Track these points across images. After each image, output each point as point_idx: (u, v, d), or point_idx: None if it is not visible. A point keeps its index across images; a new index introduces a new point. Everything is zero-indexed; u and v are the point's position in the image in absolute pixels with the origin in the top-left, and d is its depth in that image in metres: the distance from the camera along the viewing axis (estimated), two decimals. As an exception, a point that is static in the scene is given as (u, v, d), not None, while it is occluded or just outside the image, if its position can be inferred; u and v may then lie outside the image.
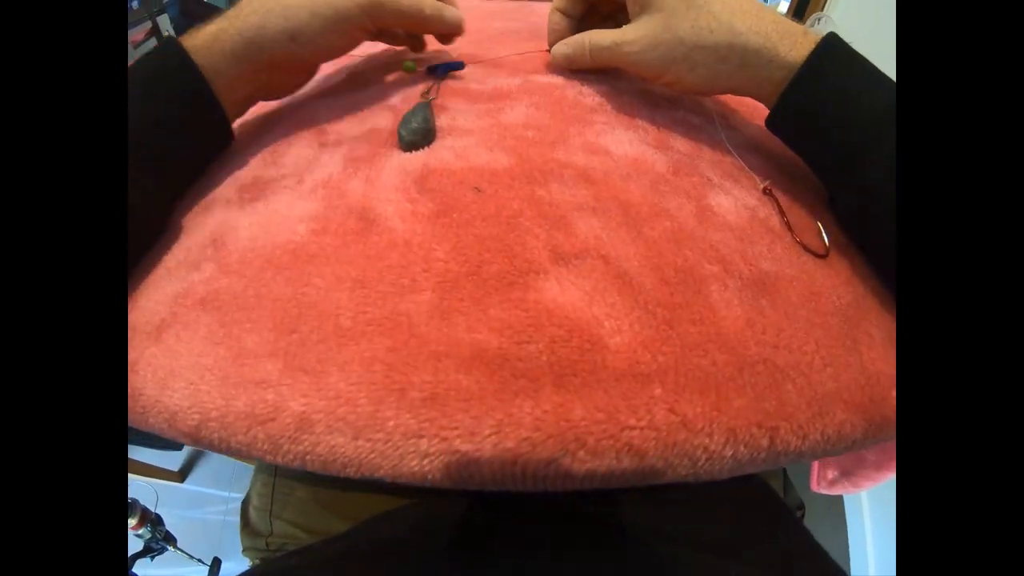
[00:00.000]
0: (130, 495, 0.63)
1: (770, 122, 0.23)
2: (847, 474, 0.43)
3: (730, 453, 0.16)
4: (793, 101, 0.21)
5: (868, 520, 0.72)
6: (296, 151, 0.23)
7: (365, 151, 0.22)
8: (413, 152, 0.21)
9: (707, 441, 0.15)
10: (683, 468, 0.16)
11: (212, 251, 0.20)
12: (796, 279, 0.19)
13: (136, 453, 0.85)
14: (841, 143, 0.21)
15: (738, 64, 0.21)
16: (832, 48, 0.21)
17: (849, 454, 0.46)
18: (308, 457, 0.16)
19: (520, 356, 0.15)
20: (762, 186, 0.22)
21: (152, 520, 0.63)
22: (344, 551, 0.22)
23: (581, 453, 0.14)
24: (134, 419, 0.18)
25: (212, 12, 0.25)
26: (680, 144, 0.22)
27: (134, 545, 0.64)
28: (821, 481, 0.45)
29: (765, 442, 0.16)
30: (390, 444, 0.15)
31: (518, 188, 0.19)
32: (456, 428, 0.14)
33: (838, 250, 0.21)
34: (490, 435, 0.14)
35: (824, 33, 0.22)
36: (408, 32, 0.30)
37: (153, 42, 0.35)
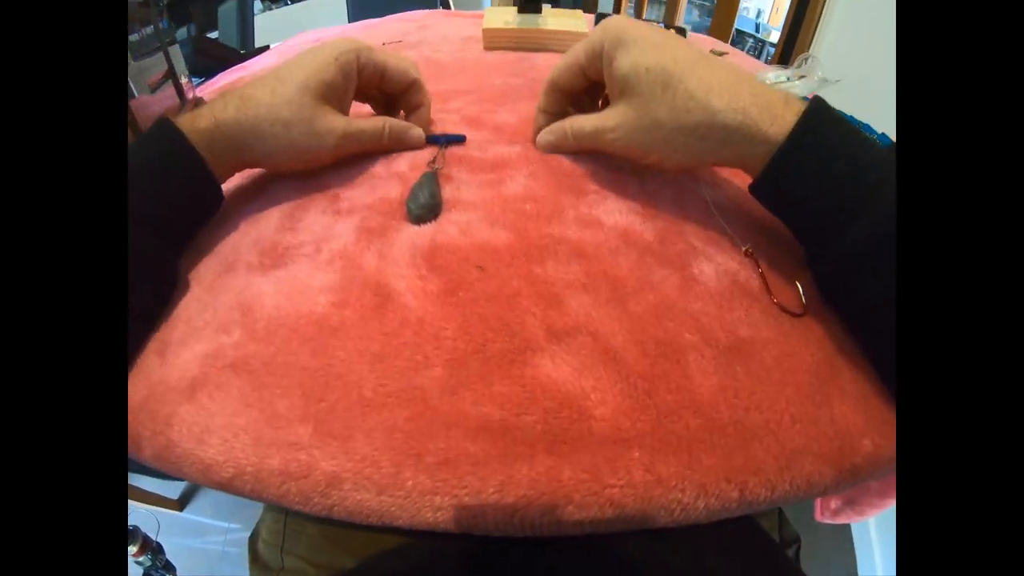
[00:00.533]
0: (132, 522, 0.68)
1: (753, 190, 0.24)
2: (851, 503, 0.44)
3: (702, 505, 0.18)
4: (775, 175, 0.22)
5: (876, 545, 0.73)
6: (312, 217, 0.26)
7: (377, 222, 0.25)
8: (421, 225, 0.24)
9: (680, 495, 0.18)
10: (660, 519, 0.18)
11: (239, 316, 0.23)
12: (771, 341, 0.21)
13: (136, 480, 0.88)
14: (822, 211, 0.21)
15: (719, 141, 0.22)
16: (814, 118, 0.21)
17: None
18: (335, 508, 0.19)
19: (518, 426, 0.18)
20: (744, 249, 0.24)
21: (153, 548, 0.67)
22: None
23: (570, 508, 0.17)
24: (169, 467, 0.21)
25: (226, 51, 0.29)
26: (667, 210, 0.25)
27: (134, 572, 0.68)
28: (825, 511, 0.47)
29: (735, 494, 0.19)
30: (409, 500, 0.18)
31: (517, 266, 0.21)
32: (465, 488, 0.17)
33: (814, 308, 0.23)
34: (493, 493, 0.17)
35: (808, 90, 0.24)
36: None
37: (169, 84, 0.39)
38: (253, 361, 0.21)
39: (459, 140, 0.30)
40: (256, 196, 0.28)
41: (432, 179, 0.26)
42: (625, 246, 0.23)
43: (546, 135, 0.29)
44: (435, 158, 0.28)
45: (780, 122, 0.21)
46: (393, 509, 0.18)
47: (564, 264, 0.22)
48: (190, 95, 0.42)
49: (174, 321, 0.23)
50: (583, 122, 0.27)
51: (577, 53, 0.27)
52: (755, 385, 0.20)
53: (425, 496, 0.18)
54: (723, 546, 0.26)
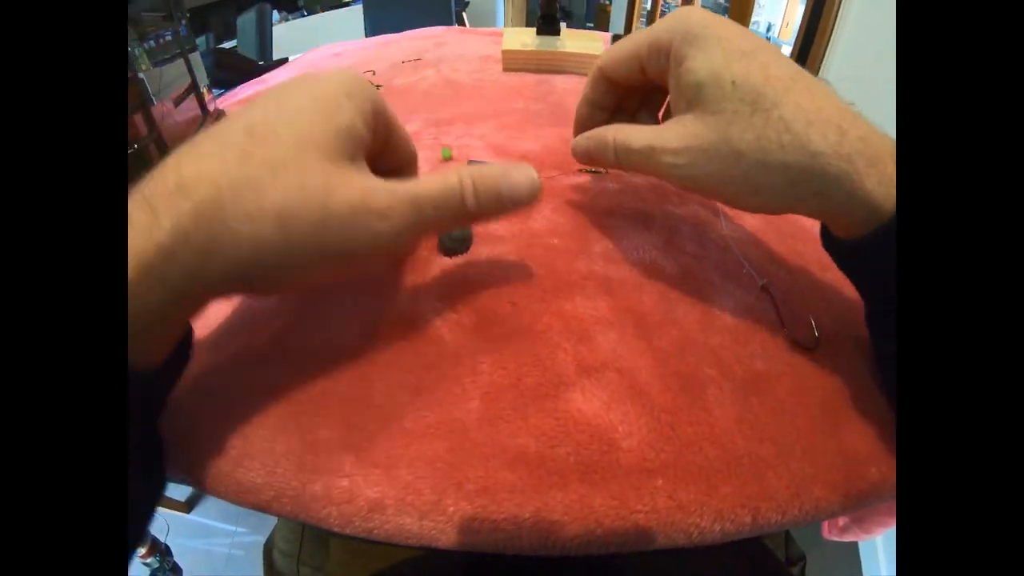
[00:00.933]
0: None
1: (834, 251, 0.20)
2: (858, 521, 0.46)
3: (718, 528, 0.20)
4: (871, 249, 0.18)
5: (883, 560, 0.75)
6: None
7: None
8: (453, 258, 0.25)
9: (698, 520, 0.20)
10: (680, 540, 0.20)
11: (269, 342, 0.23)
12: (784, 374, 0.23)
13: None
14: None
15: (812, 192, 0.17)
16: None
17: None
18: (375, 532, 0.20)
19: (552, 457, 0.19)
20: (761, 284, 0.25)
21: (161, 550, 0.69)
22: None
23: (599, 531, 0.19)
24: (206, 487, 0.21)
25: (246, 64, 0.29)
26: (688, 246, 0.26)
27: (141, 573, 0.70)
28: (832, 529, 0.49)
29: (748, 519, 0.20)
30: (449, 524, 0.19)
31: (548, 302, 0.23)
32: (503, 513, 0.19)
33: (826, 343, 0.25)
34: (529, 518, 0.19)
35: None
36: None
37: (192, 97, 0.40)
38: (290, 388, 0.22)
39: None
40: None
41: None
42: (649, 282, 0.24)
43: (583, 141, 0.24)
44: None
45: (888, 183, 0.17)
46: (434, 532, 0.20)
47: (591, 300, 0.23)
48: (211, 107, 0.43)
49: (203, 348, 0.24)
50: (632, 135, 0.21)
51: (638, 42, 0.21)
52: (769, 417, 0.22)
53: (465, 522, 0.19)
54: (727, 562, 0.27)
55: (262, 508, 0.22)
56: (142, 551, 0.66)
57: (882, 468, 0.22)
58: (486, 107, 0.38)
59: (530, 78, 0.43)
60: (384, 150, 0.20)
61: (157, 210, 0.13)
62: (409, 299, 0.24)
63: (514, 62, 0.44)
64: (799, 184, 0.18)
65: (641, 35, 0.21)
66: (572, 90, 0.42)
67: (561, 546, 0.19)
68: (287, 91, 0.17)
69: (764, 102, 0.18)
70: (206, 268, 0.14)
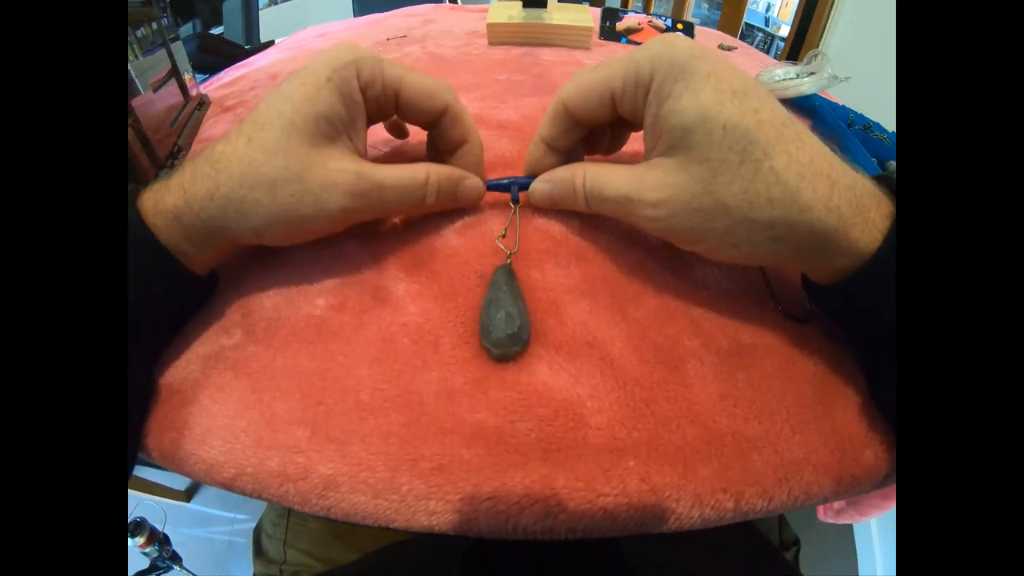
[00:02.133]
0: (139, 514, 0.70)
1: (814, 292, 0.20)
2: (854, 504, 0.45)
3: (697, 514, 0.19)
4: (851, 291, 0.18)
5: (878, 545, 0.73)
6: None
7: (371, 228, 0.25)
8: (504, 363, 0.20)
9: (675, 505, 0.18)
10: (654, 527, 0.19)
11: (240, 316, 0.23)
12: (774, 348, 0.22)
13: (143, 472, 0.90)
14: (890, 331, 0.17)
15: (795, 247, 0.17)
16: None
17: None
18: (332, 510, 0.20)
19: (513, 433, 0.18)
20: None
21: (160, 539, 0.69)
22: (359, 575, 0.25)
23: (562, 516, 0.18)
24: (174, 467, 0.21)
25: (230, 48, 0.28)
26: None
27: (140, 563, 0.70)
28: (828, 512, 0.48)
29: (730, 505, 0.19)
30: (404, 504, 0.18)
31: (517, 268, 0.22)
32: (459, 494, 0.18)
33: (820, 315, 0.23)
34: (487, 500, 0.18)
35: (817, 87, 0.21)
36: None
37: (173, 82, 0.40)
38: (253, 363, 0.22)
39: (507, 188, 0.23)
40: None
41: (509, 279, 0.20)
42: (626, 250, 0.23)
43: (544, 185, 0.22)
44: (505, 231, 0.23)
45: (871, 228, 0.17)
46: (389, 512, 0.19)
47: (563, 268, 0.22)
48: (193, 92, 0.43)
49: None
50: (604, 180, 0.20)
51: (610, 74, 0.19)
52: (755, 394, 0.20)
53: (420, 501, 0.18)
54: (721, 548, 0.26)
55: (227, 486, 0.21)
56: (141, 540, 0.67)
57: (878, 451, 0.20)
58: (469, 79, 0.37)
59: (516, 51, 0.42)
60: (399, 107, 0.22)
61: (198, 173, 0.20)
62: (375, 272, 0.23)
63: (500, 35, 0.43)
64: (782, 240, 0.17)
65: (615, 66, 0.19)
66: (558, 62, 0.41)
67: (521, 530, 0.18)
68: (287, 80, 0.20)
69: (755, 151, 0.16)
70: (226, 216, 0.20)
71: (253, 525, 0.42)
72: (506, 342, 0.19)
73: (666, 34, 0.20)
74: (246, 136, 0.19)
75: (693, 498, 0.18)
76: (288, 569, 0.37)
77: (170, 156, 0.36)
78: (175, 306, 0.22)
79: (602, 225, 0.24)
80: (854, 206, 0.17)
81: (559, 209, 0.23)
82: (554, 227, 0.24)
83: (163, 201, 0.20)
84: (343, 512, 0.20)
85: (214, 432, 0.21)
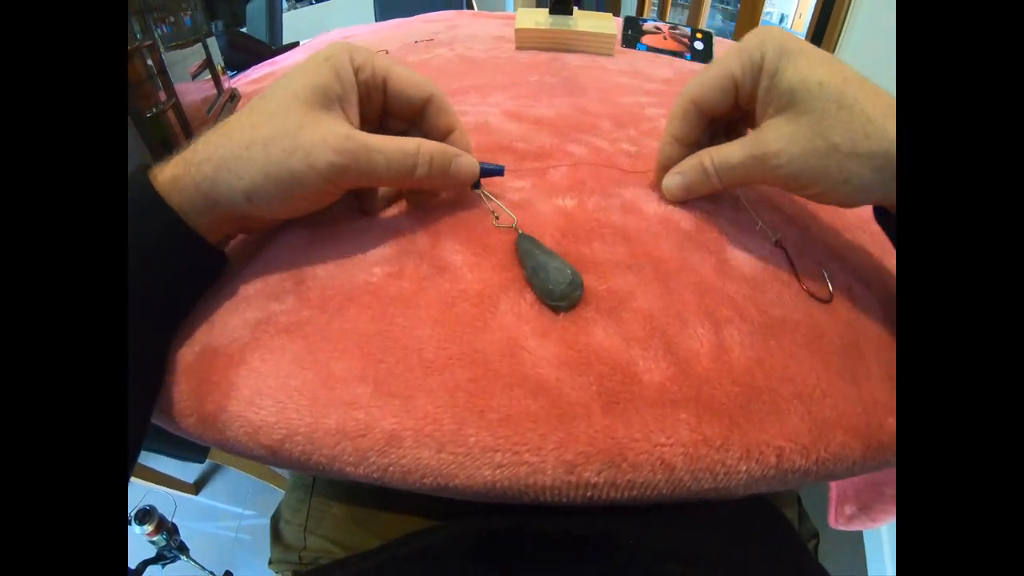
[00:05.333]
0: (149, 502, 0.71)
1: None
2: (865, 509, 0.48)
3: (744, 468, 0.21)
4: None
5: (887, 546, 0.76)
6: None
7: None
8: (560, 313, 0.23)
9: (724, 456, 0.21)
10: (706, 481, 0.21)
11: (292, 284, 0.25)
12: (801, 323, 0.25)
13: (153, 462, 0.92)
14: None
15: (892, 175, 0.21)
16: None
17: (867, 488, 0.52)
18: (391, 468, 0.21)
19: (574, 387, 0.21)
20: (774, 239, 0.28)
21: (168, 529, 0.70)
22: (382, 563, 0.25)
23: (624, 465, 0.20)
24: (212, 434, 0.23)
25: (258, 46, 0.31)
26: (701, 202, 0.29)
27: (147, 551, 0.71)
28: (839, 517, 0.50)
29: (773, 459, 0.22)
30: (469, 456, 0.20)
31: (566, 246, 0.25)
32: (526, 444, 0.20)
33: (841, 296, 0.27)
34: (553, 449, 0.20)
35: None
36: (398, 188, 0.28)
37: (207, 74, 0.43)
38: (307, 327, 0.24)
39: (499, 172, 0.26)
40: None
41: (535, 244, 0.24)
42: (665, 232, 0.26)
43: (675, 177, 0.26)
44: (496, 216, 0.26)
45: None
46: (452, 467, 0.21)
47: (610, 246, 0.25)
48: (226, 86, 0.46)
49: (221, 291, 0.26)
50: (727, 153, 0.24)
51: (727, 65, 0.24)
52: (787, 360, 0.23)
53: (486, 453, 0.20)
54: (745, 536, 0.28)
55: (272, 451, 0.22)
56: (149, 528, 0.66)
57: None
58: (501, 79, 0.40)
59: (543, 55, 0.46)
60: (387, 96, 0.25)
61: (199, 143, 0.22)
62: (431, 244, 0.25)
63: (527, 40, 0.47)
64: (883, 169, 0.21)
65: (730, 58, 0.24)
66: (584, 67, 0.45)
67: (585, 482, 0.20)
68: (293, 65, 0.24)
69: (846, 99, 0.21)
70: (219, 177, 0.22)
71: (261, 522, 0.42)
72: (568, 291, 0.22)
73: (760, 27, 0.25)
74: (249, 107, 0.23)
75: (741, 450, 0.21)
76: (308, 555, 0.38)
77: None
78: (185, 272, 0.24)
79: (640, 209, 0.28)
80: None
81: (691, 197, 0.27)
82: (598, 214, 0.27)
83: (162, 173, 0.22)
84: (401, 470, 0.21)
85: (265, 392, 0.22)
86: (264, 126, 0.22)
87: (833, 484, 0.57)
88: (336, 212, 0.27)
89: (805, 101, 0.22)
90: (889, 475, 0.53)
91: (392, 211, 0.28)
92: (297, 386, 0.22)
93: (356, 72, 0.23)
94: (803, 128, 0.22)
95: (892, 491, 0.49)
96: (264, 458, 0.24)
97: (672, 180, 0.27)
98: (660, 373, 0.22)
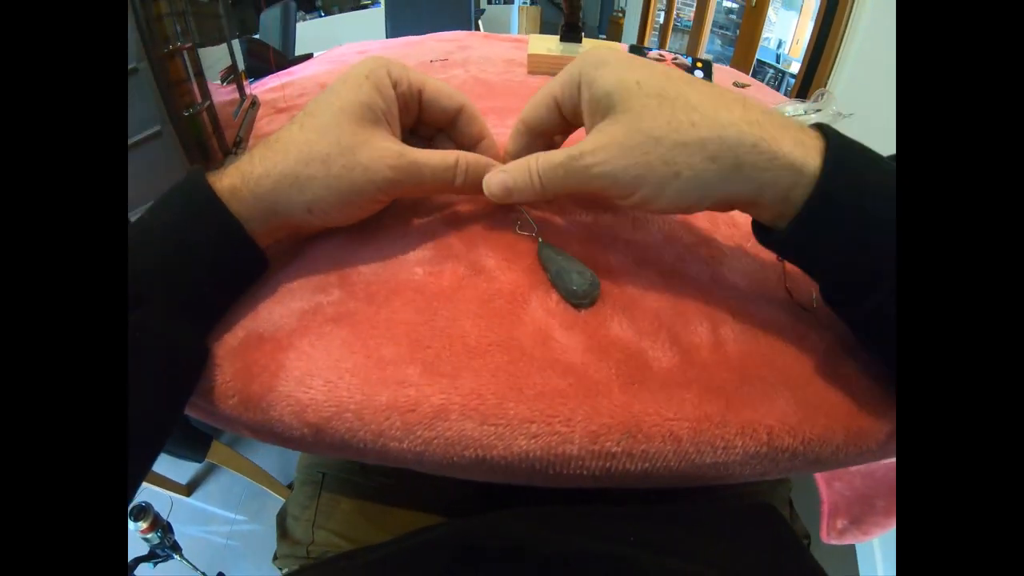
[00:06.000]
0: (145, 499, 0.72)
1: (775, 238, 0.22)
2: (856, 522, 0.51)
3: (740, 443, 0.25)
4: (815, 217, 0.20)
5: (878, 548, 0.78)
6: (394, 206, 0.33)
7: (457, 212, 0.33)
8: (581, 311, 0.27)
9: (723, 431, 0.25)
10: (708, 455, 0.25)
11: (336, 279, 0.28)
12: (788, 325, 0.29)
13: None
14: (858, 265, 0.20)
15: (732, 164, 0.20)
16: (840, 144, 0.20)
17: (858, 501, 0.55)
18: (435, 441, 0.25)
19: (597, 369, 0.25)
20: (778, 256, 0.33)
21: (163, 527, 0.71)
22: (387, 556, 0.26)
23: (640, 435, 0.24)
24: (256, 412, 0.25)
25: (275, 55, 0.34)
26: (701, 221, 0.34)
27: (140, 548, 0.71)
28: (831, 531, 0.53)
29: (764, 436, 0.26)
30: (509, 428, 0.24)
31: (586, 254, 0.29)
32: (558, 416, 0.24)
33: (823, 307, 0.31)
34: (581, 420, 0.24)
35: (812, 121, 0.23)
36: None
37: (232, 78, 0.46)
38: (355, 316, 0.27)
39: None
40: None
41: (556, 250, 0.28)
42: (669, 245, 0.31)
43: (499, 175, 0.26)
44: (521, 222, 0.30)
45: (803, 145, 0.20)
46: (492, 438, 0.24)
47: (623, 255, 0.30)
48: (248, 91, 0.50)
49: (266, 284, 0.28)
50: (553, 154, 0.24)
51: (550, 86, 0.26)
52: (774, 354, 0.28)
53: (523, 424, 0.24)
54: (745, 534, 0.30)
55: (316, 428, 0.25)
56: (143, 525, 0.65)
57: (878, 409, 0.27)
58: (516, 103, 0.45)
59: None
60: (422, 106, 0.28)
61: (255, 156, 0.25)
62: (467, 249, 0.29)
63: (539, 66, 0.53)
64: (717, 158, 0.20)
65: (554, 80, 0.26)
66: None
67: (607, 452, 0.24)
68: (333, 83, 0.26)
69: (669, 93, 0.21)
70: (279, 190, 0.24)
71: (252, 527, 0.43)
72: (590, 290, 0.26)
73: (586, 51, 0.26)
74: (299, 124, 0.25)
75: (736, 426, 0.25)
76: (315, 550, 0.39)
77: (234, 144, 0.42)
78: (232, 273, 0.26)
79: (647, 226, 0.33)
80: (775, 125, 0.20)
81: (513, 200, 0.27)
82: (610, 230, 0.32)
83: (220, 182, 0.24)
84: (446, 441, 0.25)
85: (316, 373, 0.25)
86: (319, 143, 0.24)
87: (825, 498, 0.60)
88: (376, 217, 0.31)
89: (624, 100, 0.21)
90: (880, 488, 0.56)
91: (428, 219, 0.32)
92: (349, 367, 0.25)
93: (394, 86, 0.26)
94: (621, 127, 0.21)
95: (883, 504, 0.52)
96: (304, 438, 0.26)
97: (495, 178, 0.26)
98: (667, 360, 0.26)
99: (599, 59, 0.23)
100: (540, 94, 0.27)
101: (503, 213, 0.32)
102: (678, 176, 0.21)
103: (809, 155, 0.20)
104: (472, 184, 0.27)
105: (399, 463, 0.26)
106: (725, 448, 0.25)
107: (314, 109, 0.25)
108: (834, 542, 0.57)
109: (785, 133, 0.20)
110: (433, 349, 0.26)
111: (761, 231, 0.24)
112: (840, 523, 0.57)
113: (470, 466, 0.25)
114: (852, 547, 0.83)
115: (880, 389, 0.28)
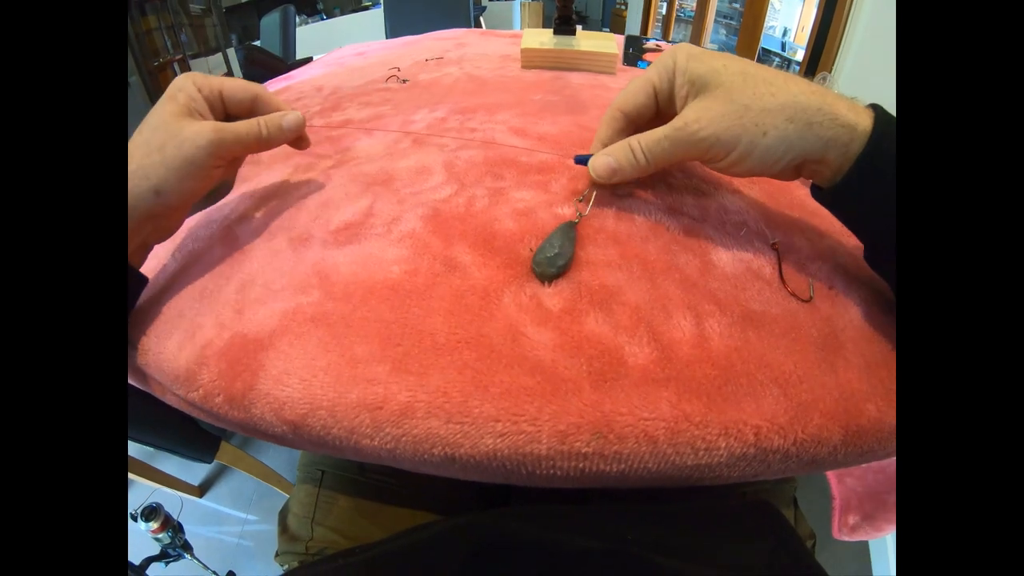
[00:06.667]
0: (156, 500, 0.75)
1: (834, 190, 0.26)
2: (868, 518, 0.48)
3: (723, 444, 0.24)
4: (868, 166, 0.24)
5: (891, 547, 0.75)
6: (380, 205, 0.34)
7: (431, 212, 0.32)
8: (548, 284, 0.27)
9: (704, 432, 0.24)
10: (688, 456, 0.24)
11: (317, 280, 0.29)
12: (781, 317, 0.28)
13: (159, 463, 0.95)
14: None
15: (805, 123, 0.25)
16: (886, 114, 0.25)
17: (870, 498, 0.52)
18: (403, 439, 0.25)
19: (567, 367, 0.24)
20: (772, 242, 0.31)
21: (174, 526, 0.73)
22: (384, 553, 0.27)
23: (611, 436, 0.23)
24: (239, 410, 0.26)
25: (274, 60, 0.37)
26: (690, 209, 0.32)
27: (152, 548, 0.74)
28: (843, 527, 0.51)
29: (751, 437, 0.24)
30: (474, 426, 0.24)
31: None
32: (523, 415, 0.23)
33: (821, 293, 0.30)
34: (548, 419, 0.23)
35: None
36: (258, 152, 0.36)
37: None
38: (332, 316, 0.27)
39: (584, 161, 0.31)
40: (328, 188, 0.36)
41: (568, 228, 0.29)
42: (654, 236, 0.30)
43: (604, 157, 0.30)
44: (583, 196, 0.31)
45: (856, 111, 0.25)
46: (459, 436, 0.24)
47: (602, 248, 0.29)
48: None
49: (250, 285, 0.30)
50: (653, 132, 0.28)
51: (647, 74, 0.29)
52: (764, 349, 0.26)
53: (489, 422, 0.24)
54: (744, 533, 0.30)
55: (294, 426, 0.26)
56: (155, 525, 0.69)
57: (880, 405, 0.26)
58: (507, 98, 0.45)
59: (547, 75, 0.51)
60: (225, 101, 0.33)
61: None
62: (443, 247, 0.29)
63: (532, 60, 0.52)
64: (794, 119, 0.25)
65: (647, 71, 0.30)
66: (586, 85, 0.49)
67: (576, 453, 0.24)
68: (160, 99, 0.31)
69: (749, 72, 0.26)
70: (135, 184, 0.28)
71: (264, 527, 0.44)
72: (544, 263, 0.27)
73: (680, 43, 0.30)
74: (137, 131, 0.30)
75: (719, 427, 0.24)
76: (314, 546, 0.40)
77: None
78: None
79: (631, 216, 0.32)
80: (832, 94, 0.26)
81: (618, 179, 0.30)
82: (593, 220, 0.31)
83: None
84: (414, 440, 0.25)
85: (292, 372, 0.26)
86: (154, 138, 0.29)
87: (836, 494, 0.57)
88: (356, 217, 0.32)
89: (714, 81, 0.26)
90: (891, 484, 0.54)
91: (406, 217, 0.32)
92: (322, 366, 0.26)
93: (199, 90, 0.32)
94: (716, 100, 0.26)
95: (895, 500, 0.49)
96: (285, 435, 0.27)
97: (600, 160, 0.30)
98: (644, 357, 0.25)
99: (688, 52, 0.28)
100: (637, 84, 0.30)
101: (484, 210, 0.31)
102: (766, 135, 0.26)
103: (861, 117, 0.25)
104: (274, 133, 0.33)
105: (376, 460, 0.26)
106: (707, 450, 0.24)
107: (146, 120, 0.31)
108: (846, 538, 0.55)
109: (840, 100, 0.25)
110: (403, 347, 0.26)
111: (819, 190, 0.28)
112: (852, 519, 0.55)
113: (442, 464, 0.25)
114: (865, 545, 0.80)
115: (883, 379, 0.26)
